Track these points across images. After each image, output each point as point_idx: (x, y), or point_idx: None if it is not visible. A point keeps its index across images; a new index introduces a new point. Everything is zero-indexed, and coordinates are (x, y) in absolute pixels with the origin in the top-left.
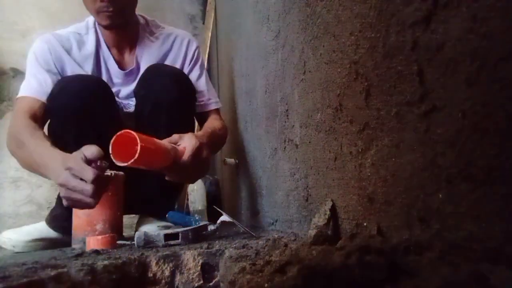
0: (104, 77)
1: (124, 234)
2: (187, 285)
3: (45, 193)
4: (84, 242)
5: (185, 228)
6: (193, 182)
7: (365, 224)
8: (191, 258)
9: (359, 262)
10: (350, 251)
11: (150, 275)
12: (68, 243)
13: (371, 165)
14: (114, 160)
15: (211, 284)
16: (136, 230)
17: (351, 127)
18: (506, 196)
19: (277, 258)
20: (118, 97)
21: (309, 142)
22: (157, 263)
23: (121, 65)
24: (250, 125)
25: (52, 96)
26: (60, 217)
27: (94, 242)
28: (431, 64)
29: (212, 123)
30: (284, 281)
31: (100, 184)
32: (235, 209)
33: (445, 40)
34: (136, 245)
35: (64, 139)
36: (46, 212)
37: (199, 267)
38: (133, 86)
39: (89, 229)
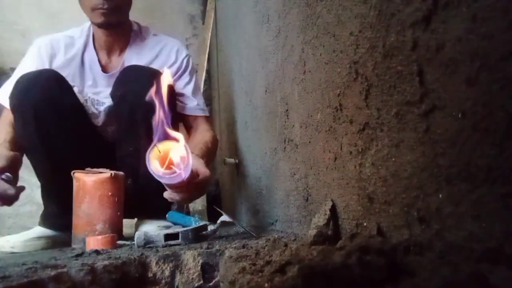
0: (88, 79)
1: (124, 234)
2: (187, 285)
3: None
4: (84, 242)
5: (185, 228)
6: (190, 202)
7: (365, 224)
8: (191, 258)
9: (359, 262)
10: (350, 251)
11: (150, 275)
12: (66, 241)
13: (371, 165)
14: (154, 168)
15: (211, 284)
16: (136, 230)
17: (351, 127)
18: (506, 196)
19: (277, 258)
20: (99, 97)
21: (309, 142)
22: (157, 263)
23: (107, 68)
24: (250, 125)
25: (10, 96)
26: (53, 215)
27: (94, 242)
28: (431, 64)
29: (203, 136)
30: (284, 281)
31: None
32: (235, 209)
33: (445, 40)
34: (136, 245)
35: (26, 135)
36: None
37: (199, 267)
38: None
39: (89, 229)
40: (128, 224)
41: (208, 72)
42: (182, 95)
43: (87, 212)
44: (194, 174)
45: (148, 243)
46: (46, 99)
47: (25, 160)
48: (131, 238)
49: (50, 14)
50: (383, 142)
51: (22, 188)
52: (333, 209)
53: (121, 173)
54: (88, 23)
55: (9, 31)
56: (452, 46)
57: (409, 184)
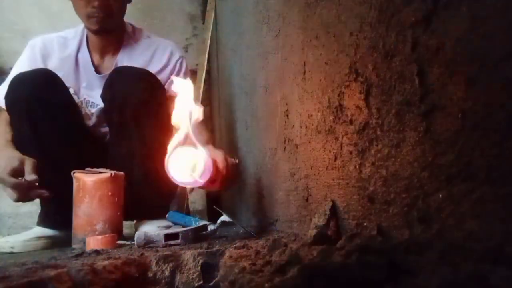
0: (82, 80)
1: (124, 234)
2: (187, 285)
3: None
4: (84, 242)
5: (185, 228)
6: (228, 189)
7: (365, 224)
8: (191, 258)
9: (359, 262)
10: (350, 251)
11: (150, 275)
12: (65, 240)
13: (371, 165)
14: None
15: (211, 284)
16: (136, 230)
17: (351, 127)
18: (506, 196)
19: (277, 258)
20: (93, 99)
21: (309, 142)
22: (157, 263)
23: (100, 69)
24: (250, 125)
25: (5, 95)
26: (52, 213)
27: (94, 242)
28: (431, 64)
29: (202, 136)
30: (284, 281)
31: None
32: (235, 209)
33: (445, 40)
34: (136, 245)
35: (20, 132)
36: None
37: (199, 267)
38: None
39: (89, 229)
40: (128, 224)
41: (208, 72)
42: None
43: (87, 212)
44: (218, 169)
45: (148, 243)
46: (40, 96)
47: None
48: (131, 238)
49: (50, 14)
50: (383, 142)
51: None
52: (333, 209)
53: (121, 173)
54: (83, 24)
55: (9, 31)
56: (452, 46)
57: (409, 184)
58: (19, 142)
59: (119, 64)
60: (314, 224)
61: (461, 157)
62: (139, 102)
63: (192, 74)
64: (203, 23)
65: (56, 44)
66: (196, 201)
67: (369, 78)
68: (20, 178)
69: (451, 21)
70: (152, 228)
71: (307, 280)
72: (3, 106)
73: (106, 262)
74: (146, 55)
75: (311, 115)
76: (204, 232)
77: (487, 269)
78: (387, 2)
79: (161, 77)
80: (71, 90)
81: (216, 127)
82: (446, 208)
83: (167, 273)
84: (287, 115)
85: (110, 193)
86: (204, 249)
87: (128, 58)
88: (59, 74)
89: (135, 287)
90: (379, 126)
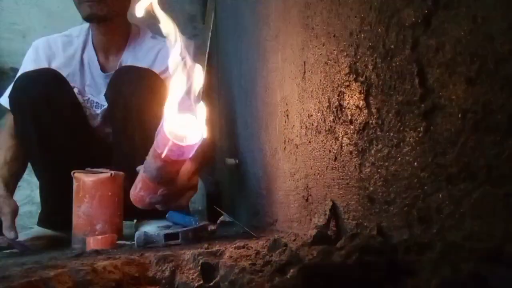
0: (87, 78)
1: (124, 234)
2: (187, 285)
3: None
4: (84, 242)
5: (185, 228)
6: (176, 208)
7: (365, 224)
8: (191, 258)
9: (359, 262)
10: (350, 251)
11: (150, 275)
12: (65, 240)
13: (371, 165)
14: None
15: (211, 284)
16: (136, 230)
17: (351, 127)
18: (506, 196)
19: (277, 258)
20: (98, 99)
21: (309, 142)
22: (157, 263)
23: (105, 68)
24: (250, 125)
25: (9, 95)
26: (53, 213)
27: (94, 242)
28: (431, 64)
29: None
30: (284, 281)
31: None
32: (235, 209)
33: (445, 40)
34: (136, 245)
35: (24, 132)
36: None
37: (199, 267)
38: None
39: (89, 229)
40: (128, 224)
41: (208, 72)
42: None
43: (87, 212)
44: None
45: (148, 243)
46: (45, 96)
47: None
48: (131, 238)
49: (50, 14)
50: (383, 142)
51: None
52: (333, 209)
53: (121, 173)
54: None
55: (9, 31)
56: (452, 46)
57: (409, 184)
58: (23, 140)
59: (124, 64)
60: (314, 224)
61: (461, 157)
62: (142, 101)
63: None
64: (203, 23)
65: (60, 43)
66: (196, 201)
67: (369, 78)
68: None
69: (451, 21)
70: (152, 228)
71: (307, 280)
72: (7, 106)
73: (106, 262)
74: (151, 55)
75: (311, 115)
76: (204, 232)
77: (487, 269)
78: (387, 2)
79: (165, 77)
80: (76, 90)
81: (216, 127)
82: (446, 208)
83: (167, 273)
84: (287, 115)
85: (110, 193)
86: (204, 249)
87: (132, 58)
88: (65, 73)
89: (135, 287)
90: (379, 126)
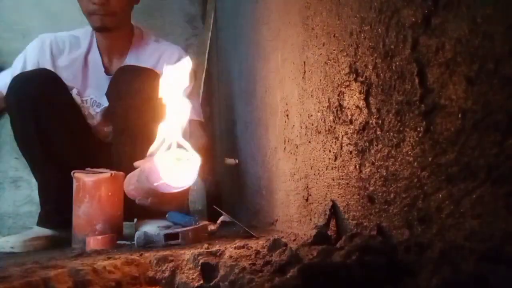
0: (90, 80)
1: (124, 234)
2: (187, 285)
3: None
4: (84, 242)
5: (185, 228)
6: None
7: (365, 224)
8: (191, 258)
9: (359, 262)
10: (350, 251)
11: (150, 275)
12: (65, 240)
13: (371, 165)
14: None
15: (211, 284)
16: (136, 230)
17: (351, 127)
18: (507, 196)
19: (277, 258)
20: (100, 100)
21: (309, 142)
22: (157, 263)
23: (109, 70)
24: (250, 125)
25: (6, 95)
26: (53, 212)
27: (94, 242)
28: (431, 64)
29: (195, 141)
30: (284, 281)
31: None
32: (235, 209)
33: (445, 40)
34: (136, 245)
35: (23, 131)
36: None
37: (199, 267)
38: None
39: (89, 229)
40: (128, 224)
41: (208, 72)
42: None
43: (87, 212)
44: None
45: (148, 243)
46: (43, 96)
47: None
48: (131, 238)
49: (50, 14)
50: (383, 142)
51: None
52: (333, 209)
53: (121, 173)
54: None
55: (9, 31)
56: (452, 46)
57: (409, 184)
58: (22, 141)
59: None
60: (314, 224)
61: (461, 157)
62: (143, 100)
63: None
64: (203, 23)
65: (68, 43)
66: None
67: (369, 78)
68: None
69: (451, 21)
70: (152, 228)
71: (307, 280)
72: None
73: (106, 262)
74: (153, 58)
75: (311, 115)
76: (204, 232)
77: (487, 269)
78: (387, 2)
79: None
80: (75, 90)
81: (216, 127)
82: (446, 208)
83: (167, 273)
84: (287, 115)
85: (110, 193)
86: (204, 249)
87: (135, 60)
88: (67, 73)
89: (135, 287)
90: (379, 126)
